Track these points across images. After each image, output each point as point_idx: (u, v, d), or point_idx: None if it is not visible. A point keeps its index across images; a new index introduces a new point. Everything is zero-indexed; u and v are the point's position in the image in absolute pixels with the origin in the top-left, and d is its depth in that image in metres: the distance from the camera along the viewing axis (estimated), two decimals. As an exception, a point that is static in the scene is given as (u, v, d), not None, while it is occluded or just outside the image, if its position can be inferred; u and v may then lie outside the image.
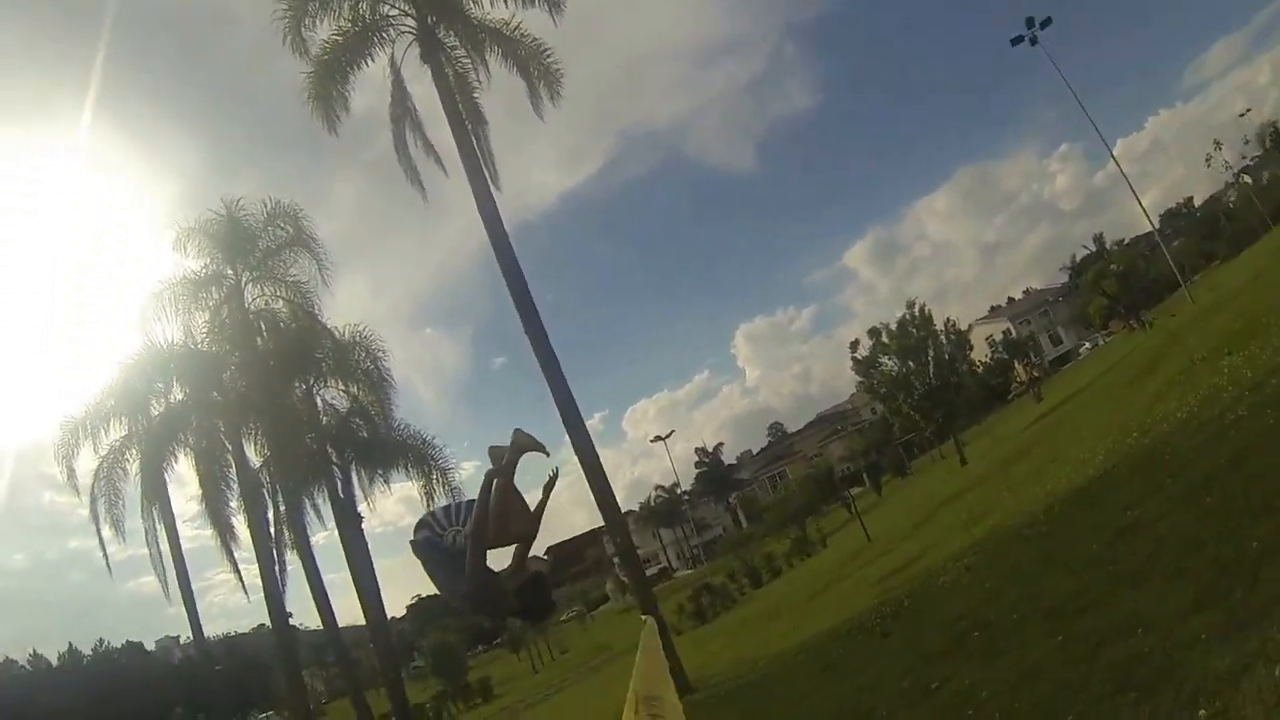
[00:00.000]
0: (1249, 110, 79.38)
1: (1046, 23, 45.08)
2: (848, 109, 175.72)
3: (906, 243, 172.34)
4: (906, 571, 15.46)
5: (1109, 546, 7.78)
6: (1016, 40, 45.75)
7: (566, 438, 17.11)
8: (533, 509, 3.81)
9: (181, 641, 73.82)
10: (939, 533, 18.35)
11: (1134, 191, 54.94)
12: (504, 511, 3.54)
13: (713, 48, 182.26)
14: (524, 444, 3.62)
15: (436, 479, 23.96)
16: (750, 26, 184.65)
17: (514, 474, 3.64)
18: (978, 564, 11.33)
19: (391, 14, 17.86)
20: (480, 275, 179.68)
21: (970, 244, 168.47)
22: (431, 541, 3.66)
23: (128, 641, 76.61)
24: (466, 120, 18.09)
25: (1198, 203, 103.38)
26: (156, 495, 23.35)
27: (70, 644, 72.33)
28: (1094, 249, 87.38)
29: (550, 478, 3.81)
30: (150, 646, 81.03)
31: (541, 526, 3.95)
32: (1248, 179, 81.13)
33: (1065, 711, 4.84)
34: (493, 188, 17.94)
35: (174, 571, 23.57)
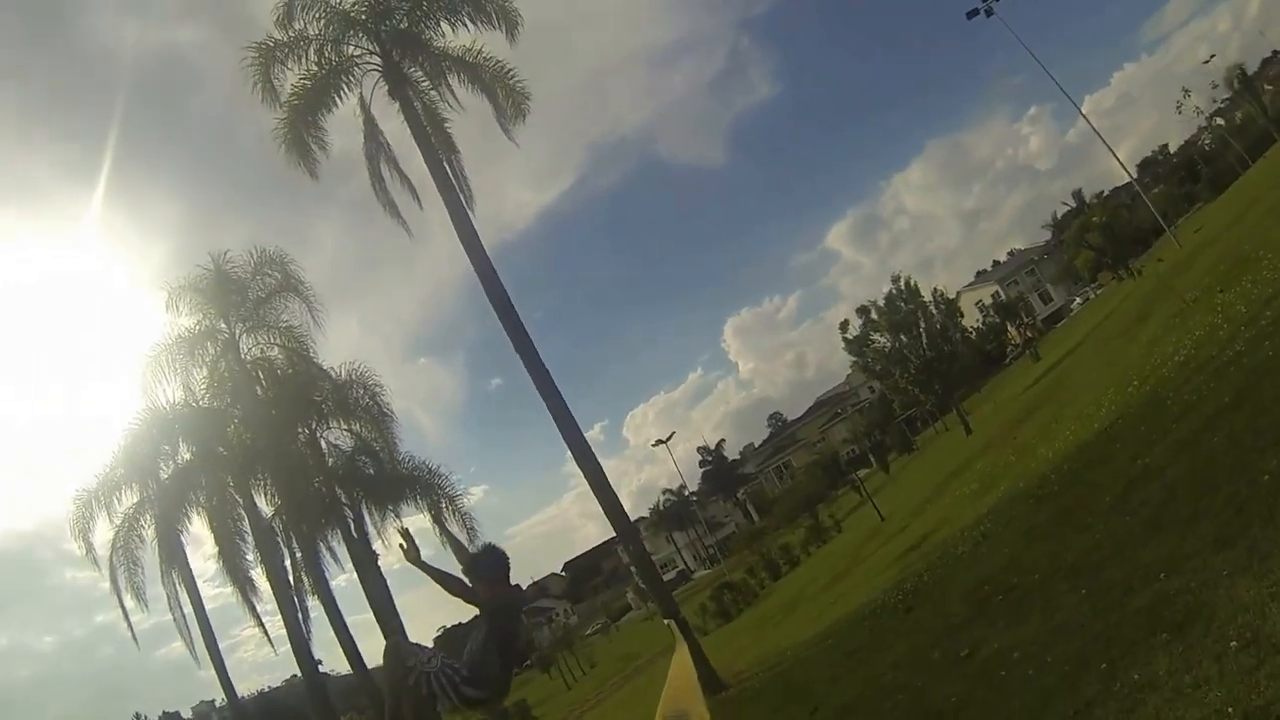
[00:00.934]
0: (1213, 56, 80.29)
1: None
2: (812, 93, 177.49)
3: (887, 218, 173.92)
4: (923, 546, 15.46)
5: (1122, 498, 7.78)
6: (972, 14, 45.82)
7: (568, 453, 17.10)
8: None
9: (217, 704, 73.33)
10: (952, 504, 18.35)
11: (1108, 145, 55.03)
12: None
13: (670, 50, 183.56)
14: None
15: (446, 506, 23.86)
16: (704, 25, 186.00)
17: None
18: (993, 530, 11.33)
19: (356, 54, 17.90)
20: (468, 300, 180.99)
21: (950, 213, 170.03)
22: (432, 677, 4.58)
23: (164, 713, 75.97)
24: (439, 150, 18.10)
25: (1173, 149, 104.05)
26: (174, 558, 23.11)
27: (109, 725, 71.76)
28: (1074, 205, 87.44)
29: (401, 535, 4.79)
30: (187, 714, 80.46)
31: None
32: (1220, 121, 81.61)
33: (1099, 661, 4.84)
34: (470, 214, 17.89)
35: (199, 633, 23.36)
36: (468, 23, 17.79)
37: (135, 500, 23.43)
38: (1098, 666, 4.81)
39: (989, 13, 45.22)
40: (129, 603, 23.15)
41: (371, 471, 24.92)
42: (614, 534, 21.69)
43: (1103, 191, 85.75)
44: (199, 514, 23.50)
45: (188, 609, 23.40)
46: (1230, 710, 3.51)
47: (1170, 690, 4.01)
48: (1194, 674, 3.99)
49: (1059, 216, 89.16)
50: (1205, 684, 3.84)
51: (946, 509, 18.29)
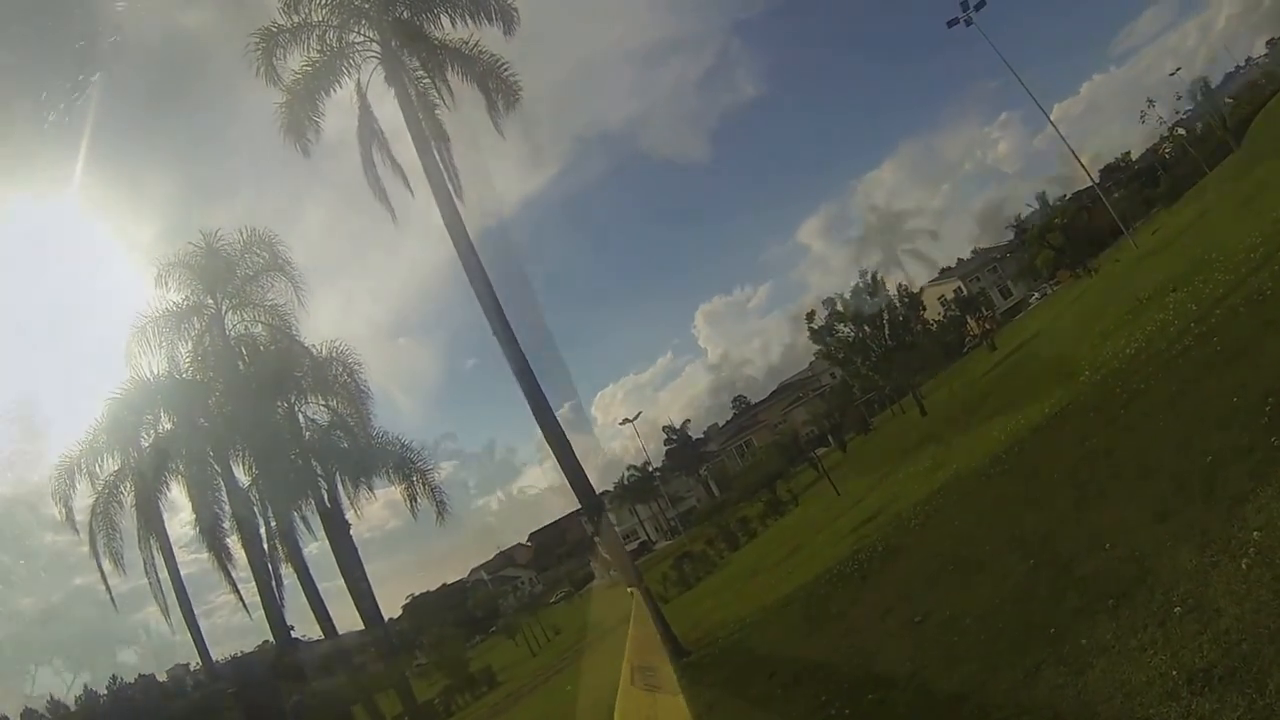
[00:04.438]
0: (1179, 69, 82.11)
1: (981, 4, 46.35)
2: (795, 95, 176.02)
3: (857, 215, 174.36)
4: (878, 520, 15.76)
5: (1070, 475, 8.12)
6: (953, 22, 47.26)
7: (537, 429, 17.42)
8: None
9: (192, 668, 72.39)
10: (906, 481, 18.69)
11: (1072, 151, 56.50)
12: None
13: (662, 47, 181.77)
14: None
15: (417, 480, 24.22)
16: (698, 25, 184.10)
17: None
18: (945, 506, 11.69)
19: (357, 41, 17.99)
20: (449, 283, 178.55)
21: (918, 212, 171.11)
22: None
23: (140, 676, 74.91)
24: (430, 137, 18.18)
25: (1135, 157, 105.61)
26: (153, 525, 23.18)
27: (86, 686, 70.74)
28: (1037, 207, 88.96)
29: None
30: (162, 677, 79.42)
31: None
32: (1182, 131, 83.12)
33: (1047, 626, 5.11)
34: (456, 200, 18.03)
35: (175, 599, 23.50)
36: (467, 17, 17.94)
37: (116, 467, 23.38)
38: (1046, 632, 5.08)
39: (968, 22, 46.47)
40: (106, 566, 23.23)
41: (346, 445, 25.17)
42: (579, 506, 21.97)
43: (1065, 195, 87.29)
44: (178, 482, 23.60)
45: (163, 574, 23.43)
46: (1174, 673, 3.75)
47: (1116, 654, 4.27)
48: (1139, 638, 4.25)
49: (1022, 217, 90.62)
50: (1150, 647, 4.10)
51: (901, 485, 18.62)
